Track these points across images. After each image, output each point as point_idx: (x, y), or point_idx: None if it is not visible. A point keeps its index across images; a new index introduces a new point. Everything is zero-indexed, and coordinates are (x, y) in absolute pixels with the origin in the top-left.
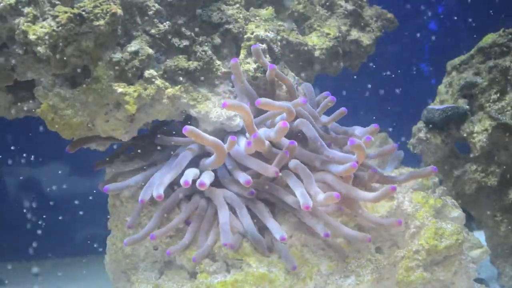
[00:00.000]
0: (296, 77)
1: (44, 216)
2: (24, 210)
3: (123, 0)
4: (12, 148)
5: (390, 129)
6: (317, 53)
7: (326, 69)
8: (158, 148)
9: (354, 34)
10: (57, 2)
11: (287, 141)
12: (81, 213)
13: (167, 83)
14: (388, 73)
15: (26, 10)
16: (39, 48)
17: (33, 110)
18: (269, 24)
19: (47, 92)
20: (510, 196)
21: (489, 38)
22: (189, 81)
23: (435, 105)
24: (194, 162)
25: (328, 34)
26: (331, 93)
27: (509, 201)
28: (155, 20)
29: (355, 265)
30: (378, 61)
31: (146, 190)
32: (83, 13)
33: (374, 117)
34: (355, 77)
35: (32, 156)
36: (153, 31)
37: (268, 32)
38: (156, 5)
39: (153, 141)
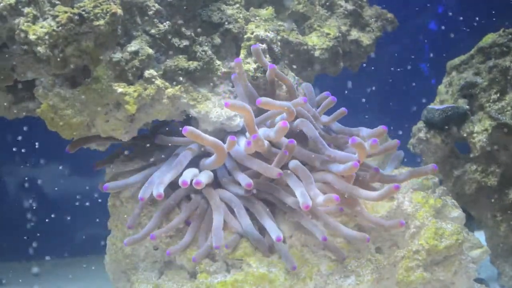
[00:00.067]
0: (296, 77)
1: (44, 216)
2: (24, 210)
3: (123, 0)
4: (12, 148)
5: (391, 128)
6: (317, 53)
7: (326, 69)
8: (158, 148)
9: (354, 34)
10: (57, 2)
11: (286, 140)
12: (81, 213)
13: (167, 83)
14: (388, 73)
15: (26, 10)
16: (39, 48)
17: (33, 110)
18: (269, 24)
19: (47, 92)
20: (510, 196)
21: (489, 38)
22: (189, 81)
23: (435, 105)
24: (194, 162)
25: (328, 34)
26: (331, 93)
27: (509, 201)
28: (155, 20)
29: (355, 265)
30: (378, 61)
31: (146, 188)
32: (83, 13)
33: (374, 117)
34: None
35: (32, 156)
36: (153, 31)
37: (268, 32)
38: (156, 5)
39: (153, 141)
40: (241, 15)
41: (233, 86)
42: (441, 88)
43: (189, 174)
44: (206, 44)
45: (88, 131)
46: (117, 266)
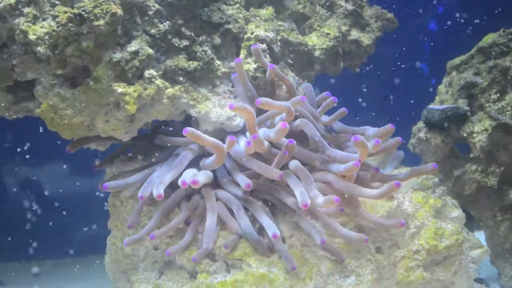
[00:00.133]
0: (296, 77)
1: (44, 216)
2: (24, 210)
3: (123, 0)
4: (12, 148)
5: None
6: (317, 53)
7: (326, 69)
8: (158, 148)
9: (354, 34)
10: (57, 2)
11: (286, 140)
12: (81, 213)
13: (167, 83)
14: (388, 73)
15: (26, 10)
16: (39, 48)
17: (33, 110)
18: (269, 24)
19: (47, 92)
20: (510, 196)
21: (489, 38)
22: (189, 81)
23: (435, 105)
24: (194, 162)
25: (328, 34)
26: (331, 93)
27: (509, 201)
28: (155, 20)
29: (355, 265)
30: (378, 61)
31: (146, 187)
32: (83, 13)
33: (374, 117)
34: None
35: (32, 156)
36: (153, 31)
37: (268, 32)
38: (156, 5)
39: (153, 141)
40: (241, 15)
41: (233, 86)
42: (441, 88)
43: (188, 175)
44: (206, 44)
45: (88, 131)
46: (117, 266)
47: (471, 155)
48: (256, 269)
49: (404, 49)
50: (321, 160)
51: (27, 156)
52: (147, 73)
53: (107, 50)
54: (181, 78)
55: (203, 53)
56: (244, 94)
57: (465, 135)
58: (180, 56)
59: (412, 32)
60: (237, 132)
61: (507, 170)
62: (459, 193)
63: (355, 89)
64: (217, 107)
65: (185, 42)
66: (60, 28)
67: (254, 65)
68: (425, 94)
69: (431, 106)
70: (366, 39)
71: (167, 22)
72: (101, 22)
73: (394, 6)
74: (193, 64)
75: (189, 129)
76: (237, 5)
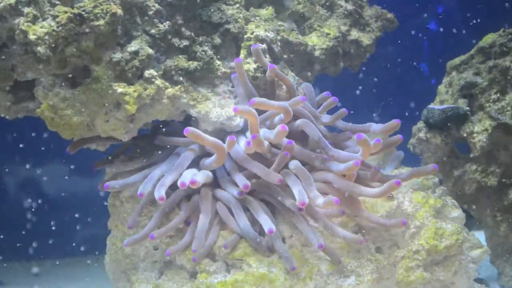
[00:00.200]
0: (296, 77)
1: (44, 216)
2: (24, 210)
3: (123, 0)
4: (12, 148)
5: None
6: (317, 53)
7: (326, 69)
8: (158, 148)
9: (354, 34)
10: (57, 2)
11: (285, 141)
12: (81, 213)
13: (167, 83)
14: (388, 73)
15: (26, 10)
16: (39, 48)
17: (33, 110)
18: (269, 24)
19: (47, 92)
20: (510, 196)
21: (489, 38)
22: (189, 81)
23: (435, 105)
24: (194, 162)
25: (328, 34)
26: (331, 93)
27: (509, 201)
28: (155, 20)
29: (355, 265)
30: (378, 61)
31: (145, 184)
32: (83, 13)
33: (373, 118)
34: (359, 75)
35: (32, 156)
36: (153, 31)
37: (268, 32)
38: (156, 5)
39: (153, 141)
40: (241, 15)
41: (233, 86)
42: (441, 88)
43: (188, 175)
44: (206, 44)
45: (88, 131)
46: (117, 266)
47: (471, 155)
48: (256, 269)
49: (404, 49)
50: (321, 159)
51: (27, 156)
52: (147, 73)
53: (107, 50)
54: (181, 78)
55: (203, 53)
56: (244, 94)
57: (465, 135)
58: (180, 56)
59: (412, 32)
60: (237, 132)
61: (507, 170)
62: (459, 193)
63: (355, 89)
64: (217, 107)
65: (185, 42)
66: (60, 28)
67: (254, 65)
68: (425, 94)
69: (431, 106)
70: (366, 39)
71: (167, 22)
72: (101, 22)
73: (394, 6)
74: (193, 64)
75: (190, 128)
76: (237, 5)
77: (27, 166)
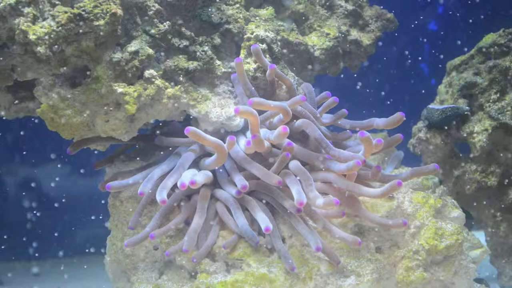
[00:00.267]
0: (296, 77)
1: (44, 216)
2: (24, 210)
3: (123, 0)
4: (12, 148)
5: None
6: (317, 53)
7: (326, 69)
8: (158, 148)
9: (354, 34)
10: (57, 2)
11: (285, 141)
12: (81, 213)
13: (167, 83)
14: (388, 73)
15: (26, 10)
16: (39, 48)
17: (33, 110)
18: (269, 24)
19: (47, 92)
20: (510, 196)
21: (489, 38)
22: (189, 81)
23: (435, 105)
24: (194, 162)
25: (328, 34)
26: (331, 93)
27: (509, 201)
28: (155, 20)
29: (355, 265)
30: (378, 61)
31: (146, 183)
32: (83, 13)
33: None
34: (354, 77)
35: (32, 156)
36: (153, 31)
37: (268, 32)
38: (156, 5)
39: (153, 141)
40: (241, 15)
41: (233, 86)
42: (441, 88)
43: (188, 176)
44: (206, 44)
45: (88, 131)
46: (117, 266)
47: (471, 155)
48: (256, 269)
49: (404, 49)
50: (321, 159)
51: (27, 156)
52: (147, 73)
53: (107, 50)
54: (181, 78)
55: (203, 53)
56: (244, 94)
57: (465, 135)
58: (180, 56)
59: (412, 32)
60: (237, 132)
61: (507, 170)
62: (459, 193)
63: (354, 89)
64: (217, 107)
65: (185, 42)
66: (60, 28)
67: (254, 65)
68: (425, 94)
69: (431, 106)
70: (366, 39)
71: (167, 22)
72: (101, 22)
73: (394, 6)
74: (193, 64)
75: (190, 128)
76: (237, 5)
77: (27, 166)
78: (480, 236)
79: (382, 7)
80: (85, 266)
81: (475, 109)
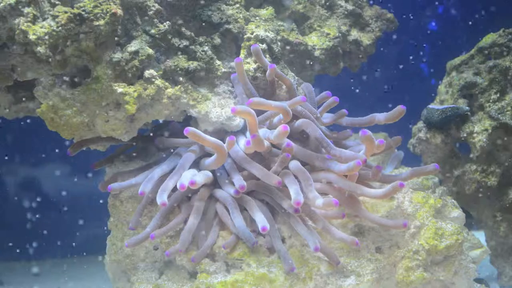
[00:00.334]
0: (296, 77)
1: (44, 216)
2: (24, 210)
3: (123, 0)
4: (12, 148)
5: (391, 128)
6: (317, 53)
7: (326, 69)
8: (158, 148)
9: (354, 34)
10: (57, 2)
11: (286, 140)
12: (81, 213)
13: (167, 83)
14: (388, 73)
15: (26, 10)
16: (39, 48)
17: (33, 110)
18: (269, 24)
19: (47, 92)
20: (510, 196)
21: (489, 38)
22: (189, 81)
23: (435, 105)
24: (194, 162)
25: (328, 34)
26: (331, 93)
27: (509, 201)
28: (155, 20)
29: (355, 265)
30: (378, 61)
31: (146, 183)
32: (83, 13)
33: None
34: (354, 77)
35: (32, 156)
36: (153, 31)
37: (268, 32)
38: (156, 5)
39: (153, 142)
40: (241, 15)
41: (233, 86)
42: (441, 88)
43: (188, 176)
44: (206, 44)
45: (88, 131)
46: (117, 266)
47: (471, 155)
48: (256, 269)
49: (404, 49)
50: (321, 159)
51: (27, 156)
52: (147, 73)
53: (107, 50)
54: (181, 78)
55: (203, 53)
56: (244, 94)
57: (465, 135)
58: (180, 56)
59: (412, 32)
60: (237, 132)
61: (507, 170)
62: (459, 193)
63: (354, 89)
64: (217, 107)
65: (185, 42)
66: (60, 28)
67: (254, 65)
68: (425, 94)
69: (431, 106)
70: (366, 39)
71: (167, 22)
72: (101, 22)
73: (394, 6)
74: (193, 64)
75: (190, 128)
76: (237, 5)
77: (27, 166)
78: (480, 236)
79: (387, 5)
80: (85, 266)
81: (475, 109)
